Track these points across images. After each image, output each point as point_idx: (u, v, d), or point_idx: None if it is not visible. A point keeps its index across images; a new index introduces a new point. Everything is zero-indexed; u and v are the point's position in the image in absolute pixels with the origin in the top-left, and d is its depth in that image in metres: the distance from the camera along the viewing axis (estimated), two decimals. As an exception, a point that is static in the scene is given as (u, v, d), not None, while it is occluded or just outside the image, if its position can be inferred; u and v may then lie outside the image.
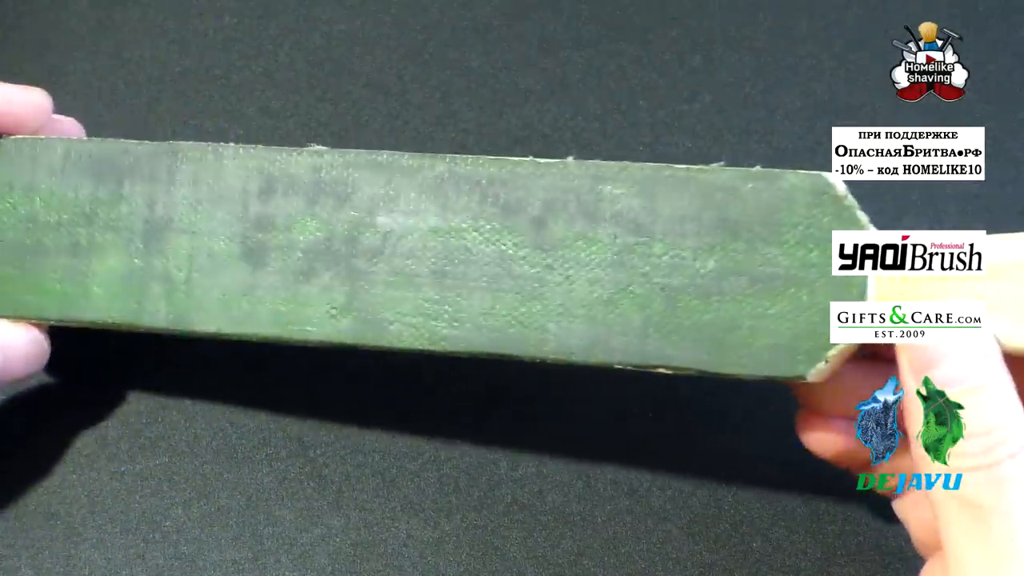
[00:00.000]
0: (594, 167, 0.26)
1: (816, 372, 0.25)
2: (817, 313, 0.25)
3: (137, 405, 0.33)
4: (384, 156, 0.27)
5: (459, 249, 0.27)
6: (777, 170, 0.26)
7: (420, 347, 0.27)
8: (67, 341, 0.31)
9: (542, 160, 0.27)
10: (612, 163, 0.26)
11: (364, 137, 0.37)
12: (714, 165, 0.26)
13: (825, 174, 0.25)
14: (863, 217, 0.25)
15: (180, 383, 0.34)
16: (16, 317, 0.29)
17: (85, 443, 0.33)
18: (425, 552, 0.31)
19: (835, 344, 0.25)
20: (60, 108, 0.38)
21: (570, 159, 0.26)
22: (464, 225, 0.27)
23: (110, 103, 0.38)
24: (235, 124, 0.37)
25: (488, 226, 0.27)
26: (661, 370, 0.26)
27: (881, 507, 0.31)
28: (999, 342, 0.24)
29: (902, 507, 0.28)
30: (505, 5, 0.39)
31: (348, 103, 0.38)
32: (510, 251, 0.26)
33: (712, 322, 0.25)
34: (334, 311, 0.27)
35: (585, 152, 0.36)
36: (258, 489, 0.32)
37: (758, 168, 0.26)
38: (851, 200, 0.25)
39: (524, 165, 0.27)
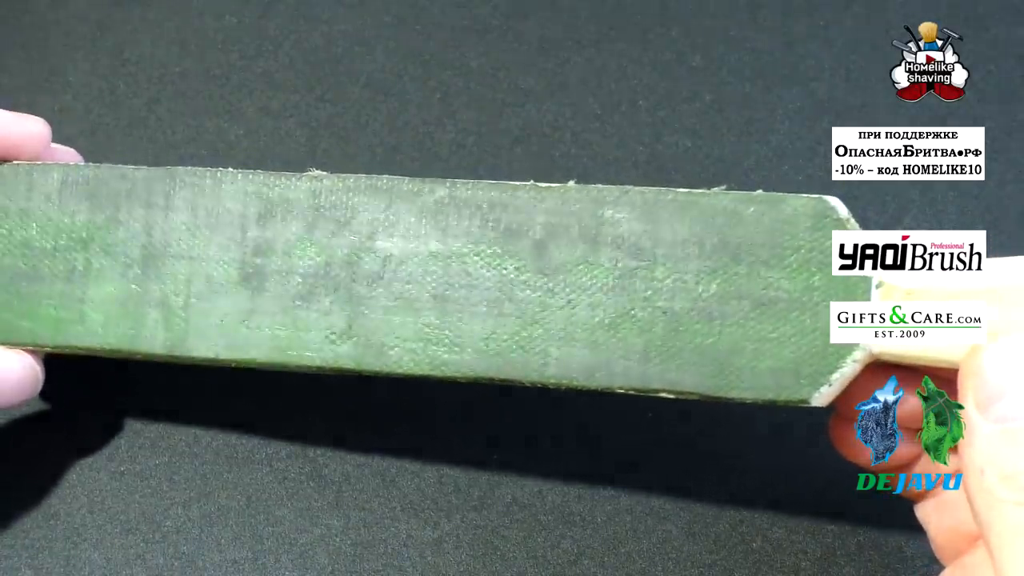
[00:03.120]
0: (595, 191, 0.26)
1: (820, 396, 0.25)
2: (820, 336, 0.25)
3: (137, 405, 0.33)
4: (384, 181, 0.27)
5: (460, 273, 0.27)
6: (779, 194, 0.26)
7: (420, 372, 0.27)
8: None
9: (543, 184, 0.27)
10: (613, 187, 0.26)
11: (364, 137, 0.37)
12: (716, 189, 0.26)
13: (827, 198, 0.25)
14: None
15: (180, 384, 0.34)
16: (10, 344, 0.29)
17: (85, 443, 0.33)
18: (425, 552, 0.31)
19: (839, 367, 0.25)
20: (60, 108, 0.38)
21: (571, 183, 0.26)
22: (465, 250, 0.27)
23: (110, 103, 0.38)
24: (235, 124, 0.37)
25: (489, 250, 0.27)
26: (663, 394, 0.26)
27: (881, 507, 0.31)
28: None
29: (924, 512, 0.28)
30: (505, 5, 0.39)
31: (348, 103, 0.38)
32: (511, 275, 0.26)
33: (714, 346, 0.25)
34: (333, 336, 0.27)
35: (585, 152, 0.37)
36: (258, 489, 0.32)
37: (760, 192, 0.26)
38: (853, 223, 0.25)
39: (525, 189, 0.27)
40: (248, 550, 0.31)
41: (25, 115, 0.30)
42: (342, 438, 0.33)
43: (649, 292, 0.26)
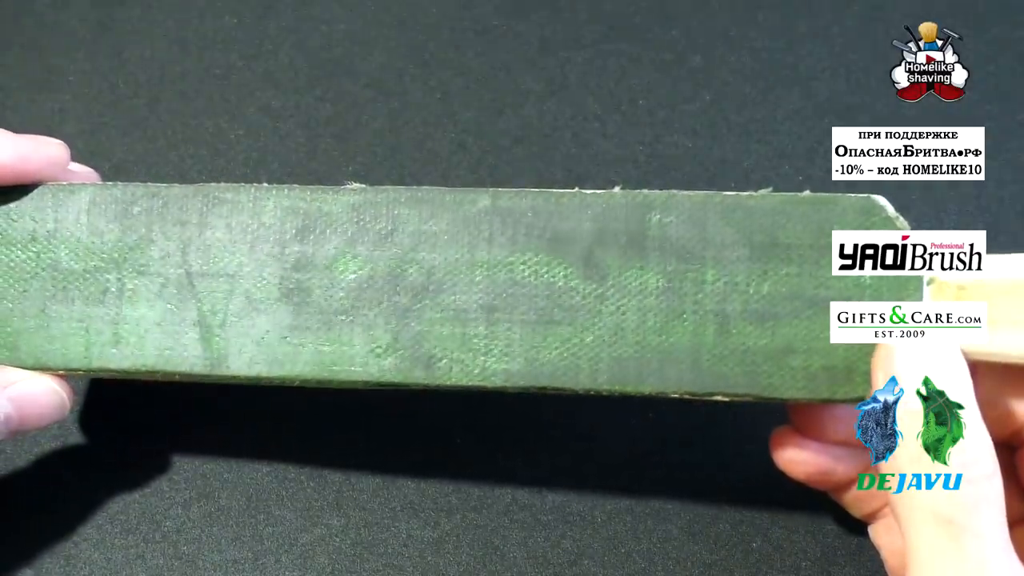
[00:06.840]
0: (641, 196, 0.26)
1: None
2: None
3: (137, 406, 0.33)
4: (425, 192, 0.27)
5: (507, 283, 0.26)
6: (827, 194, 0.26)
7: (470, 383, 0.26)
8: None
9: (588, 191, 0.26)
10: (659, 192, 0.26)
11: (364, 137, 0.37)
12: (763, 191, 0.26)
13: (875, 196, 0.25)
14: None
15: (180, 385, 0.34)
16: (39, 368, 0.28)
17: (84, 443, 0.33)
18: (425, 552, 0.31)
19: None
20: (60, 108, 0.38)
21: (616, 189, 0.26)
22: (512, 259, 0.26)
23: (110, 103, 0.38)
24: (235, 124, 0.37)
25: (536, 259, 0.26)
26: (718, 397, 0.26)
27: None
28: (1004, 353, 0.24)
29: (876, 533, 0.28)
30: (505, 5, 0.39)
31: (348, 103, 0.38)
32: (560, 283, 0.26)
33: (768, 346, 0.25)
34: (379, 350, 0.27)
35: (585, 152, 0.37)
36: (258, 489, 0.32)
37: (807, 193, 0.26)
38: (902, 222, 0.25)
39: (570, 196, 0.26)
40: (248, 550, 0.31)
41: (44, 138, 0.29)
42: (342, 438, 0.33)
43: (700, 295, 0.26)
